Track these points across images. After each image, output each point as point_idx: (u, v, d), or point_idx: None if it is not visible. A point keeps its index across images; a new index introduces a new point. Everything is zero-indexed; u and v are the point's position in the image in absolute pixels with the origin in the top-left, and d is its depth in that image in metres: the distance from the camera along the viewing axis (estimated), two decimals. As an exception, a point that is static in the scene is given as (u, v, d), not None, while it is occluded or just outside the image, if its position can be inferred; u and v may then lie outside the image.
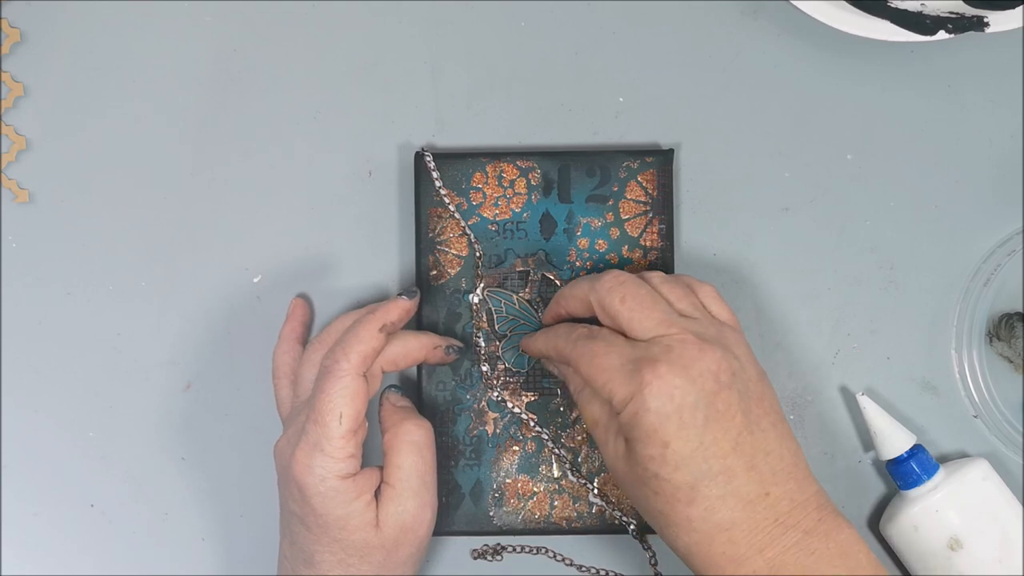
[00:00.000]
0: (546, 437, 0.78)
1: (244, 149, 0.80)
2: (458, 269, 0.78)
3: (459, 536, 0.79)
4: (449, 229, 0.78)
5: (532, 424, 0.78)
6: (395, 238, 0.80)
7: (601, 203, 0.78)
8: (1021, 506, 0.77)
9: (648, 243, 0.78)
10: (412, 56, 0.81)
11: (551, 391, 0.78)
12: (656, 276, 0.72)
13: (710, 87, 0.81)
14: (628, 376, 0.66)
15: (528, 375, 0.78)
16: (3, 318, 0.80)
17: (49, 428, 0.80)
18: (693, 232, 0.80)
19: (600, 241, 0.78)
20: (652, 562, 0.79)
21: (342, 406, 0.69)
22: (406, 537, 0.71)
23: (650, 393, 0.65)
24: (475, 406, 0.78)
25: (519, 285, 0.78)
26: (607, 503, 0.77)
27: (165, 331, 0.80)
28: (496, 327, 0.78)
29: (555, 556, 0.79)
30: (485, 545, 0.80)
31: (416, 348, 0.74)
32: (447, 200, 0.78)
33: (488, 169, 0.78)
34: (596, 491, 0.77)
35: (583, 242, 0.78)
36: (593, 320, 0.71)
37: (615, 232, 0.78)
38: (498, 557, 0.79)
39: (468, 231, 0.78)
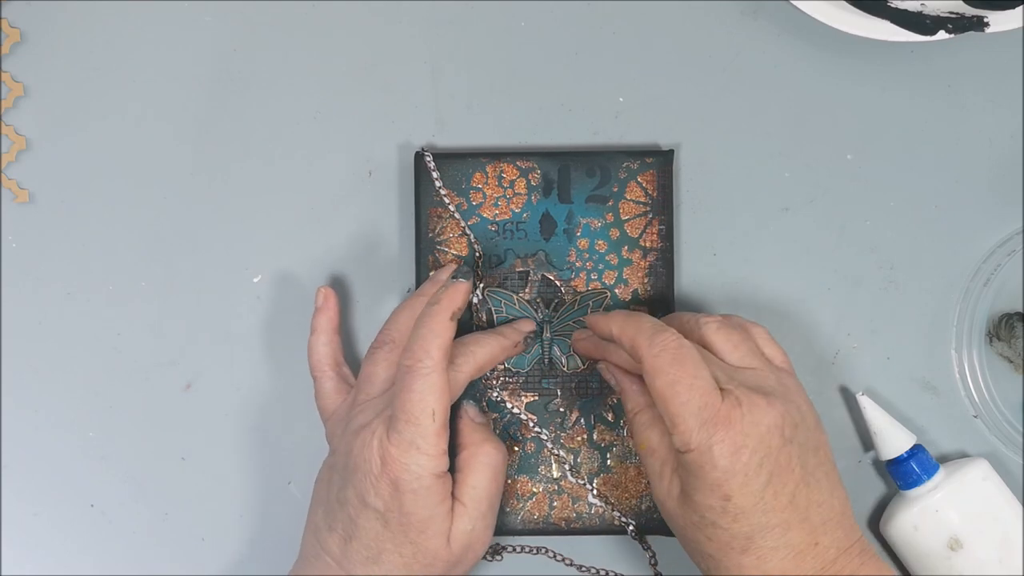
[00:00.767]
0: (545, 438, 0.78)
1: (244, 149, 0.80)
2: (458, 269, 0.78)
3: (459, 536, 0.79)
4: (449, 229, 0.78)
5: (531, 425, 0.78)
6: (395, 238, 0.80)
7: (601, 203, 0.78)
8: (1021, 506, 0.77)
9: (648, 244, 0.78)
10: (412, 56, 0.81)
11: (550, 392, 0.78)
12: (712, 322, 0.72)
13: (710, 87, 0.81)
14: (701, 424, 0.65)
15: (527, 376, 0.78)
16: (3, 318, 0.80)
17: (49, 428, 0.80)
18: (693, 232, 0.80)
19: (600, 242, 0.78)
20: (652, 562, 0.79)
21: (433, 403, 0.67)
22: (467, 556, 0.71)
23: (720, 452, 0.65)
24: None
25: (519, 285, 0.78)
26: (606, 504, 0.77)
27: (165, 331, 0.80)
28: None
29: (555, 556, 0.80)
30: (485, 545, 0.80)
31: (500, 351, 0.75)
32: (447, 200, 0.78)
33: (488, 169, 0.78)
34: (595, 492, 0.78)
35: (583, 242, 0.78)
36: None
37: (615, 233, 0.78)
38: (498, 557, 0.79)
39: (468, 231, 0.78)
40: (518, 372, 0.78)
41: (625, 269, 0.78)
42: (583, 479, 0.78)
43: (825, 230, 0.80)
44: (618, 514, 0.78)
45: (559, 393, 0.78)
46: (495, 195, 0.78)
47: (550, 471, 0.78)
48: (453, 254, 0.78)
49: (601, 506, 0.78)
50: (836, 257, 0.80)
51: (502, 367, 0.78)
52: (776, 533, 0.66)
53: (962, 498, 0.76)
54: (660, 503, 0.70)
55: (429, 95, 0.81)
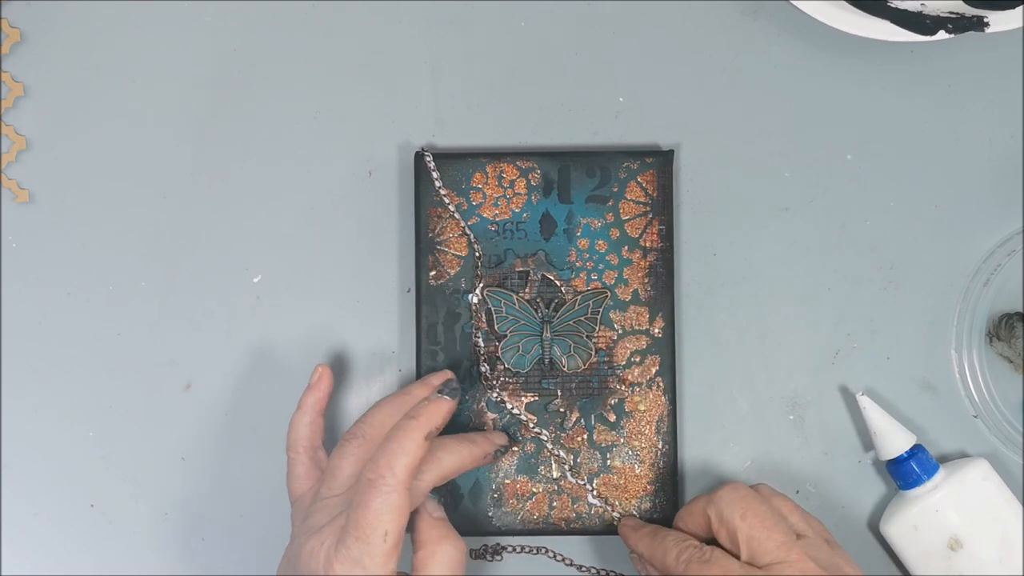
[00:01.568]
0: (545, 438, 0.78)
1: (244, 149, 0.80)
2: (458, 269, 0.78)
3: (458, 536, 0.79)
4: (449, 229, 0.78)
5: (531, 425, 0.78)
6: (395, 238, 0.80)
7: (601, 203, 0.78)
8: (1021, 506, 0.77)
9: (648, 244, 0.78)
10: (412, 56, 0.81)
11: (550, 392, 0.78)
12: (765, 488, 0.73)
13: (710, 87, 0.81)
14: None
15: (527, 376, 0.78)
16: (3, 318, 0.80)
17: (49, 428, 0.80)
18: (693, 232, 0.80)
19: (600, 242, 0.78)
20: (652, 562, 0.79)
21: (387, 523, 0.65)
22: None
23: None
24: (474, 407, 0.78)
25: (519, 285, 0.78)
26: (606, 504, 0.78)
27: (165, 331, 0.80)
28: (496, 327, 0.78)
29: (555, 556, 0.80)
30: (485, 545, 0.80)
31: (469, 461, 0.73)
32: (447, 200, 0.78)
33: (488, 169, 0.78)
34: (595, 492, 0.78)
35: (583, 242, 0.78)
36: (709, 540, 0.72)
37: (615, 233, 0.78)
38: (498, 557, 0.79)
39: (468, 231, 0.78)
40: (518, 372, 0.78)
41: (625, 269, 0.78)
42: (583, 479, 0.78)
43: (825, 230, 0.80)
44: (618, 514, 0.78)
45: (559, 393, 0.78)
46: (495, 195, 0.78)
47: (550, 471, 0.78)
48: (453, 254, 0.78)
49: (601, 506, 0.78)
50: (836, 257, 0.80)
51: (502, 367, 0.78)
52: None
53: (962, 498, 0.76)
54: None
55: (429, 95, 0.81)
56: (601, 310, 0.78)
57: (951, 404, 0.80)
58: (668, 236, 0.78)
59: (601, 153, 0.79)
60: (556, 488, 0.78)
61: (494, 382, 0.78)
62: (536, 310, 0.78)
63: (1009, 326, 0.79)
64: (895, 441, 0.77)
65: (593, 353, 0.78)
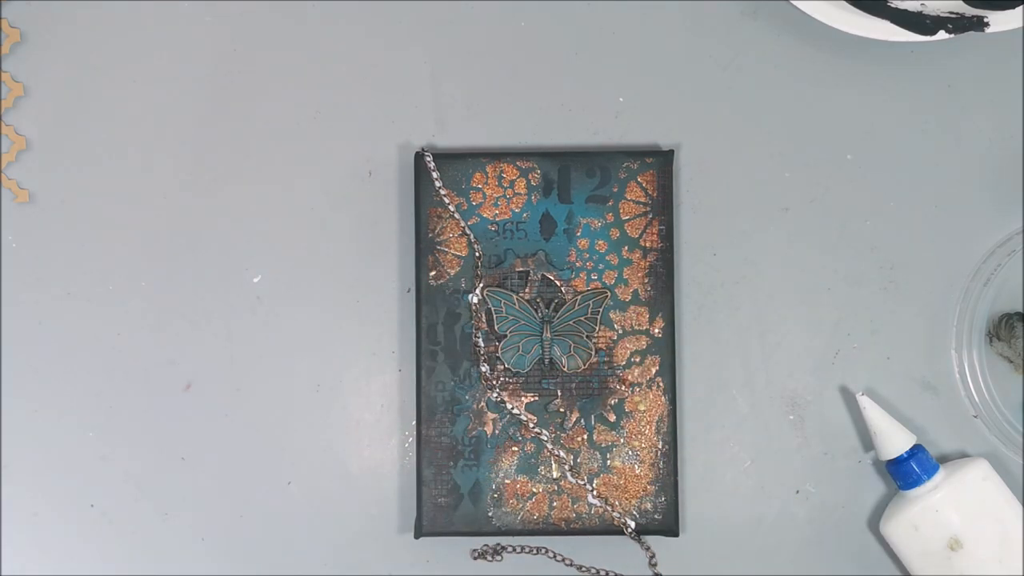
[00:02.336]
0: (545, 438, 0.78)
1: (244, 149, 0.80)
2: (458, 269, 0.78)
3: (457, 536, 0.79)
4: (449, 229, 0.78)
5: (531, 425, 0.78)
6: (395, 238, 0.80)
7: (601, 204, 0.78)
8: (1021, 506, 0.77)
9: (648, 244, 0.78)
10: (412, 56, 0.81)
11: (550, 392, 0.78)
12: None
13: (710, 87, 0.81)
14: None
15: (527, 376, 0.78)
16: (3, 318, 0.80)
17: (49, 428, 0.80)
18: (693, 232, 0.80)
19: (600, 242, 0.78)
20: (652, 562, 0.79)
21: None
22: None
23: None
24: (474, 407, 0.78)
25: (519, 285, 0.78)
26: (606, 504, 0.78)
27: (165, 331, 0.80)
28: (496, 327, 0.78)
29: (555, 556, 0.80)
30: (485, 545, 0.80)
31: None
32: (447, 200, 0.78)
33: (488, 169, 0.78)
34: (595, 492, 0.78)
35: (583, 242, 0.78)
36: None
37: (615, 233, 0.78)
38: (498, 557, 0.79)
39: (468, 231, 0.78)
40: (518, 372, 0.78)
41: (625, 269, 0.78)
42: (583, 479, 0.78)
43: (825, 230, 0.80)
44: (618, 514, 0.78)
45: (559, 393, 0.78)
46: (495, 195, 0.78)
47: (550, 471, 0.78)
48: (453, 254, 0.78)
49: (601, 506, 0.78)
50: (836, 257, 0.80)
51: (502, 367, 0.78)
52: None
53: (962, 498, 0.76)
54: None
55: (429, 95, 0.81)
56: (601, 310, 0.78)
57: (951, 404, 0.80)
58: (668, 236, 0.78)
59: (601, 153, 0.79)
60: (556, 488, 0.78)
61: (494, 382, 0.78)
62: (536, 310, 0.78)
63: (1009, 326, 0.79)
64: (895, 441, 0.77)
65: (593, 353, 0.78)
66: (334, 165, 0.80)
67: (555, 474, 0.78)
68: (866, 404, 0.77)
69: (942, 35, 0.76)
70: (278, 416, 0.80)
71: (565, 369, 0.78)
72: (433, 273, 0.78)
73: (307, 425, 0.80)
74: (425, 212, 0.78)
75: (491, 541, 0.80)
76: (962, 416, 0.80)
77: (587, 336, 0.78)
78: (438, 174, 0.78)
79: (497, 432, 0.78)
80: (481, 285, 0.78)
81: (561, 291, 0.78)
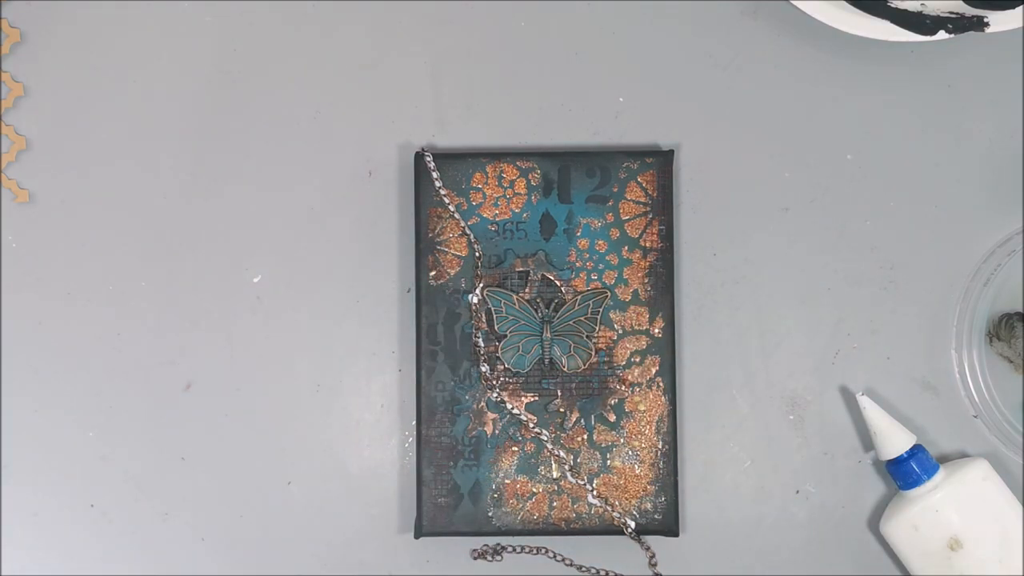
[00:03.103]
0: (545, 438, 0.78)
1: (244, 149, 0.80)
2: (458, 269, 0.78)
3: (457, 536, 0.79)
4: (449, 229, 0.78)
5: (531, 425, 0.78)
6: (395, 238, 0.80)
7: (601, 204, 0.78)
8: (1021, 506, 0.77)
9: (648, 244, 0.78)
10: (412, 56, 0.81)
11: (550, 392, 0.78)
12: None
13: (710, 87, 0.81)
14: None
15: (527, 376, 0.78)
16: (3, 318, 0.80)
17: (49, 428, 0.80)
18: (693, 232, 0.80)
19: (600, 242, 0.78)
20: (652, 562, 0.79)
21: None
22: None
23: None
24: (474, 406, 0.78)
25: (519, 285, 0.78)
26: (606, 504, 0.77)
27: (165, 331, 0.80)
28: (496, 327, 0.78)
29: (555, 556, 0.80)
30: (485, 545, 0.80)
31: None
32: (447, 200, 0.78)
33: (488, 169, 0.78)
34: (595, 492, 0.78)
35: (583, 243, 0.78)
36: None
37: (615, 233, 0.78)
38: (498, 557, 0.79)
39: (468, 231, 0.78)
40: (518, 372, 0.78)
41: (625, 269, 0.78)
42: (583, 479, 0.78)
43: (825, 230, 0.80)
44: (618, 514, 0.78)
45: (559, 393, 0.78)
46: (495, 195, 0.78)
47: (550, 471, 0.78)
48: (453, 254, 0.78)
49: (601, 506, 0.78)
50: (836, 257, 0.80)
51: (502, 367, 0.78)
52: None
53: (962, 498, 0.76)
54: None
55: (429, 95, 0.81)
56: (601, 310, 0.78)
57: (951, 404, 0.80)
58: (668, 236, 0.78)
59: (601, 153, 0.79)
60: (556, 488, 0.78)
61: (494, 382, 0.78)
62: (536, 310, 0.78)
63: (1009, 326, 0.79)
64: (895, 441, 0.77)
65: (593, 353, 0.78)
66: (334, 165, 0.80)
67: (555, 474, 0.78)
68: (866, 404, 0.77)
69: (942, 35, 0.76)
70: (278, 416, 0.80)
71: (565, 369, 0.78)
72: (433, 273, 0.78)
73: (307, 425, 0.80)
74: (425, 212, 0.78)
75: (491, 541, 0.80)
76: (962, 416, 0.80)
77: (587, 336, 0.78)
78: (438, 174, 0.78)
79: (497, 432, 0.78)
80: (481, 285, 0.78)
81: (561, 291, 0.78)
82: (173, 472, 0.80)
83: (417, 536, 0.78)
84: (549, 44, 0.81)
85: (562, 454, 0.78)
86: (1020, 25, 0.76)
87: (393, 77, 0.81)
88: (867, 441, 0.80)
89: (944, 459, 0.80)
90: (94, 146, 0.80)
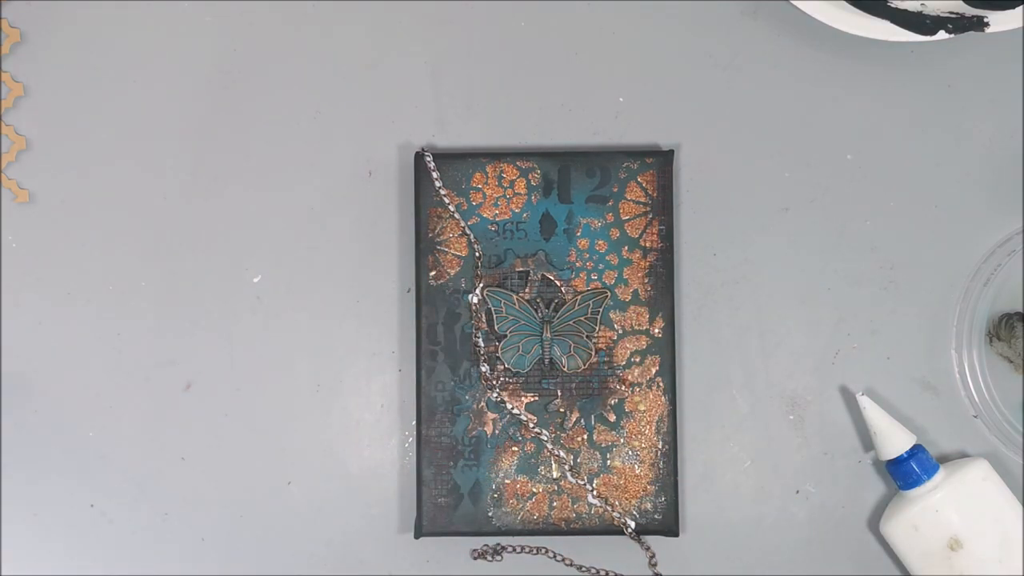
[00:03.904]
0: (545, 438, 0.78)
1: (244, 149, 0.80)
2: (458, 269, 0.78)
3: (457, 536, 0.79)
4: (449, 229, 0.78)
5: (531, 425, 0.78)
6: (395, 238, 0.80)
7: (601, 204, 0.78)
8: (1021, 506, 0.77)
9: (648, 244, 0.78)
10: (412, 56, 0.81)
11: (550, 392, 0.78)
12: None
13: (710, 87, 0.81)
14: None
15: (527, 376, 0.78)
16: (3, 318, 0.80)
17: (49, 428, 0.80)
18: (693, 232, 0.80)
19: (600, 242, 0.78)
20: (651, 562, 0.79)
21: None
22: None
23: None
24: (474, 406, 0.78)
25: (519, 285, 0.78)
26: (606, 504, 0.77)
27: (165, 331, 0.80)
28: (496, 327, 0.78)
29: (555, 556, 0.80)
30: (485, 545, 0.80)
31: None
32: (447, 200, 0.78)
33: (488, 169, 0.78)
34: (595, 492, 0.78)
35: (583, 242, 0.78)
36: None
37: (615, 233, 0.78)
38: (498, 557, 0.79)
39: (468, 231, 0.78)
40: (518, 372, 0.78)
41: (625, 269, 0.78)
42: (583, 479, 0.78)
43: (825, 230, 0.80)
44: (618, 514, 0.78)
45: (559, 393, 0.78)
46: (495, 195, 0.79)
47: (550, 471, 0.78)
48: (453, 254, 0.78)
49: (601, 506, 0.78)
50: (836, 257, 0.80)
51: (502, 367, 0.78)
52: None
53: (962, 498, 0.76)
54: None
55: (429, 95, 0.81)
56: (601, 310, 0.78)
57: (951, 404, 0.80)
58: (668, 236, 0.78)
59: (601, 153, 0.79)
60: (556, 488, 0.78)
61: (494, 382, 0.78)
62: (536, 310, 0.78)
63: (1009, 326, 0.79)
64: (895, 441, 0.77)
65: (593, 353, 0.78)
66: (334, 165, 0.80)
67: (555, 474, 0.78)
68: (866, 404, 0.77)
69: (942, 35, 0.76)
70: (278, 416, 0.80)
71: (565, 369, 0.78)
72: (433, 273, 0.78)
73: (307, 425, 0.80)
74: (425, 212, 0.78)
75: (491, 541, 0.80)
76: (962, 416, 0.80)
77: (587, 336, 0.78)
78: (438, 174, 0.78)
79: (497, 432, 0.78)
80: (481, 285, 0.78)
81: (561, 291, 0.78)
82: (173, 472, 0.80)
83: (417, 536, 0.78)
84: (549, 44, 0.81)
85: (562, 454, 0.78)
86: (1020, 25, 0.76)
87: (393, 77, 0.81)
88: (867, 441, 0.80)
89: (944, 459, 0.80)
90: (94, 146, 0.80)
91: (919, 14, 0.77)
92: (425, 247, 0.78)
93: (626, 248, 0.78)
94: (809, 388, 0.80)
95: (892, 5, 0.77)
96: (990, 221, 0.80)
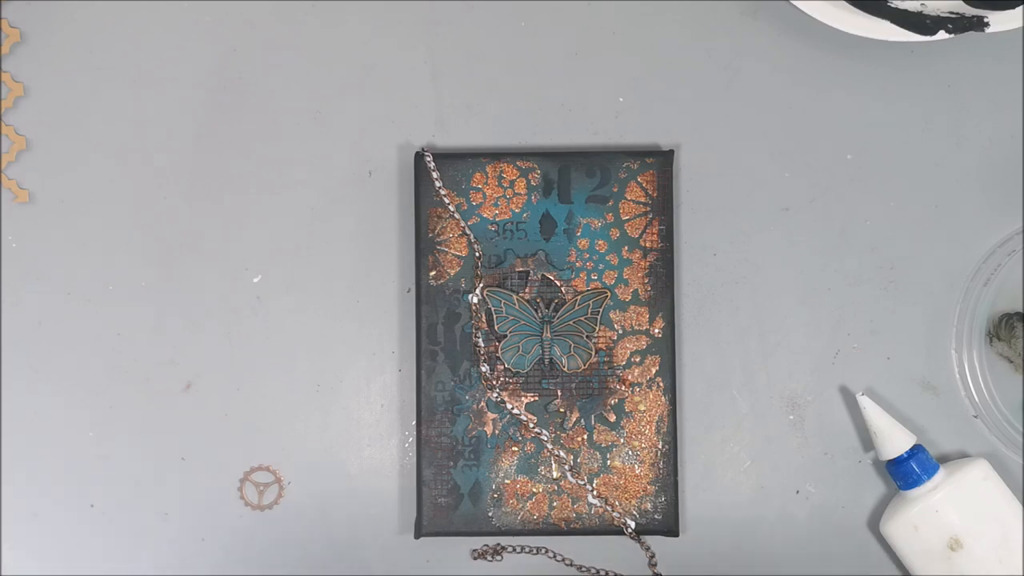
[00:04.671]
0: (545, 438, 0.78)
1: (244, 149, 0.80)
2: (458, 269, 0.78)
3: (457, 536, 0.79)
4: (449, 229, 0.78)
5: (531, 425, 0.78)
6: (395, 238, 0.80)
7: (601, 204, 0.78)
8: (1021, 506, 0.77)
9: (648, 244, 0.78)
10: (412, 56, 0.81)
11: (550, 392, 0.78)
12: None
13: (710, 87, 0.81)
14: None
15: (527, 376, 0.78)
16: (3, 318, 0.80)
17: (49, 428, 0.80)
18: (693, 232, 0.80)
19: (600, 242, 0.78)
20: (652, 562, 0.79)
21: None
22: None
23: None
24: (474, 407, 0.78)
25: (519, 285, 0.78)
26: (606, 504, 0.77)
27: (165, 331, 0.80)
28: (496, 327, 0.78)
29: (555, 556, 0.80)
30: (485, 545, 0.80)
31: None
32: (447, 200, 0.78)
33: (488, 169, 0.78)
34: (595, 492, 0.78)
35: (583, 243, 0.78)
36: None
37: (615, 233, 0.78)
38: (498, 557, 0.79)
39: (468, 231, 0.78)
40: (518, 372, 0.78)
41: (625, 269, 0.78)
42: (583, 479, 0.78)
43: (825, 230, 0.80)
44: (618, 514, 0.78)
45: (559, 393, 0.78)
46: (495, 195, 0.79)
47: (550, 471, 0.78)
48: (453, 254, 0.78)
49: (601, 506, 0.78)
50: (836, 257, 0.80)
51: (502, 367, 0.78)
52: None
53: (962, 498, 0.76)
54: None
55: (429, 95, 0.81)
56: (601, 310, 0.78)
57: (951, 404, 0.80)
58: (668, 236, 0.78)
59: (601, 153, 0.79)
60: (556, 488, 0.78)
61: (494, 382, 0.78)
62: (536, 310, 0.78)
63: (1009, 326, 0.79)
64: (895, 441, 0.77)
65: (593, 353, 0.78)
66: (334, 165, 0.80)
67: (555, 474, 0.78)
68: (866, 404, 0.77)
69: (942, 35, 0.76)
70: (278, 416, 0.80)
71: (565, 369, 0.78)
72: (433, 273, 0.78)
73: (307, 425, 0.80)
74: (425, 212, 0.78)
75: (491, 541, 0.80)
76: (962, 416, 0.80)
77: (587, 336, 0.78)
78: (438, 174, 0.78)
79: (497, 432, 0.78)
80: (481, 285, 0.78)
81: (561, 291, 0.78)
82: (173, 472, 0.80)
83: (417, 536, 0.78)
84: (549, 44, 0.81)
85: (562, 454, 0.78)
86: (1020, 25, 0.76)
87: (393, 77, 0.81)
88: (867, 441, 0.80)
89: (944, 459, 0.80)
90: (94, 146, 0.80)
91: (919, 14, 0.77)
92: (425, 247, 0.78)
93: (626, 248, 0.78)
94: (809, 388, 0.80)
95: (892, 5, 0.77)
96: (990, 221, 0.80)
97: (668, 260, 0.78)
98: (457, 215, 0.78)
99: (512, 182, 0.78)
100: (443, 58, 0.81)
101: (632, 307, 0.78)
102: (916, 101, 0.81)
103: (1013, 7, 0.76)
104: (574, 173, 0.78)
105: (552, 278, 0.78)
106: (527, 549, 0.80)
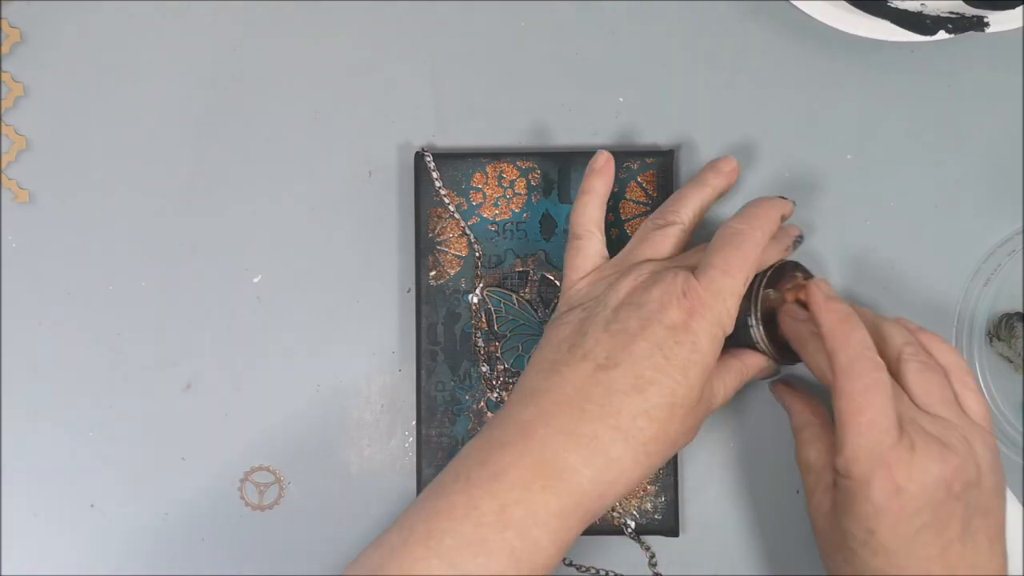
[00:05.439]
0: (545, 438, 0.78)
1: (244, 149, 0.80)
2: (458, 269, 0.78)
3: (459, 536, 0.78)
4: (449, 229, 0.78)
5: (531, 424, 0.78)
6: (395, 238, 0.80)
7: (601, 203, 0.78)
8: (1021, 506, 0.77)
9: (648, 243, 0.78)
10: (412, 56, 0.81)
11: (551, 391, 0.78)
12: (914, 362, 0.70)
13: (710, 87, 0.81)
14: (868, 457, 0.65)
15: (528, 375, 0.78)
16: (3, 318, 0.80)
17: (49, 428, 0.80)
18: (692, 232, 0.80)
19: (600, 241, 0.78)
20: (652, 562, 0.79)
21: (749, 272, 0.69)
22: (676, 443, 0.68)
23: (878, 488, 0.65)
24: (474, 407, 0.78)
25: (519, 285, 0.78)
26: (607, 503, 0.77)
27: (165, 331, 0.80)
28: (495, 327, 0.78)
29: (555, 556, 0.79)
30: (485, 545, 0.79)
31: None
32: (447, 200, 0.78)
33: (488, 169, 0.78)
34: (595, 491, 0.77)
35: (583, 242, 0.78)
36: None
37: (615, 233, 0.78)
38: (498, 557, 0.79)
39: (468, 231, 0.78)
40: (518, 372, 0.78)
41: (625, 269, 0.78)
42: (583, 479, 0.78)
43: (825, 230, 0.80)
44: (618, 514, 0.78)
45: (559, 393, 0.78)
46: (495, 195, 0.79)
47: (550, 471, 0.78)
48: (453, 254, 0.78)
49: (601, 506, 0.77)
50: (836, 257, 0.80)
51: (502, 367, 0.78)
52: None
53: (962, 498, 0.76)
54: (809, 516, 0.71)
55: (429, 95, 0.81)
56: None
57: (951, 404, 0.80)
58: (668, 236, 0.78)
59: (601, 153, 0.79)
60: (556, 488, 0.78)
61: (494, 382, 0.78)
62: (536, 310, 0.78)
63: (1009, 326, 0.79)
64: (895, 441, 0.77)
65: (593, 353, 0.78)
66: (334, 165, 0.80)
67: (555, 474, 0.78)
68: (866, 404, 0.77)
69: (942, 35, 0.76)
70: (278, 416, 0.80)
71: (565, 369, 0.78)
72: (433, 273, 0.78)
73: (307, 425, 0.80)
74: (425, 212, 0.78)
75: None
76: (962, 416, 0.80)
77: (587, 336, 0.78)
78: (438, 174, 0.78)
79: (497, 432, 0.78)
80: (481, 285, 0.78)
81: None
82: (173, 472, 0.80)
83: (417, 536, 0.78)
84: (549, 44, 0.81)
85: (562, 454, 0.78)
86: (1020, 25, 0.76)
87: (393, 77, 0.81)
88: (867, 441, 0.79)
89: (944, 459, 0.80)
90: (94, 146, 0.80)
91: (919, 14, 0.77)
92: (425, 247, 0.78)
93: (626, 248, 0.78)
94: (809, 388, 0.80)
95: (892, 5, 0.77)
96: (990, 221, 0.80)
97: (668, 260, 0.78)
98: (457, 215, 0.78)
99: (512, 182, 0.78)
100: (443, 58, 0.81)
101: (632, 307, 0.78)
102: (916, 101, 0.81)
103: (1013, 7, 0.76)
104: (574, 173, 0.78)
105: (552, 278, 0.78)
106: (527, 549, 0.79)
